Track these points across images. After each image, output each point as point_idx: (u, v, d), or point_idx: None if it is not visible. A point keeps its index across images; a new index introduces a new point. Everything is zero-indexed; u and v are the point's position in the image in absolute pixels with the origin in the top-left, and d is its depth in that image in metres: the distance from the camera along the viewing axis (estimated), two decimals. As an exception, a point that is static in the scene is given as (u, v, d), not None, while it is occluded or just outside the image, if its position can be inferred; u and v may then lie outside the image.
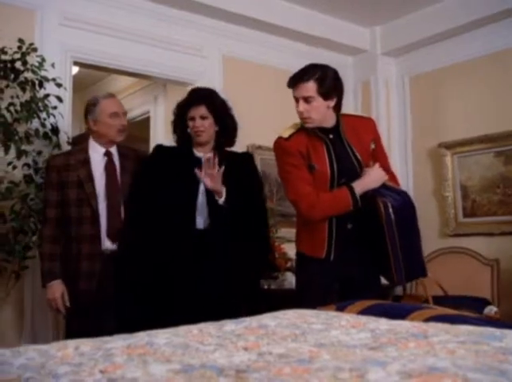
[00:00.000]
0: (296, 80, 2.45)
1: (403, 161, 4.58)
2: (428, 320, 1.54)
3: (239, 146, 4.04)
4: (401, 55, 4.77)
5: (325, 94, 2.42)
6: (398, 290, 2.82)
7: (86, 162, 2.71)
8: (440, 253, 4.11)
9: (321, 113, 2.44)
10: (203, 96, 2.71)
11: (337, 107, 2.50)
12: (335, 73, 2.48)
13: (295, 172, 2.47)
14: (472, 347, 1.02)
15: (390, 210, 2.32)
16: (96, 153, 2.75)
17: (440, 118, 4.51)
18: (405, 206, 2.37)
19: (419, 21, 4.44)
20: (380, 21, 4.66)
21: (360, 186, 2.40)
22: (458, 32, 4.29)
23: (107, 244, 2.65)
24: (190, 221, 2.61)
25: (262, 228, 2.82)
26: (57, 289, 2.60)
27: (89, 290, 2.58)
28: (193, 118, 2.66)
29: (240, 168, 2.73)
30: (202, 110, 2.66)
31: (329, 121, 2.49)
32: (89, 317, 2.56)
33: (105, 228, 2.65)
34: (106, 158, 2.75)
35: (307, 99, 2.42)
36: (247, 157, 2.89)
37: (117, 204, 2.70)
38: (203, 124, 2.66)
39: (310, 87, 2.41)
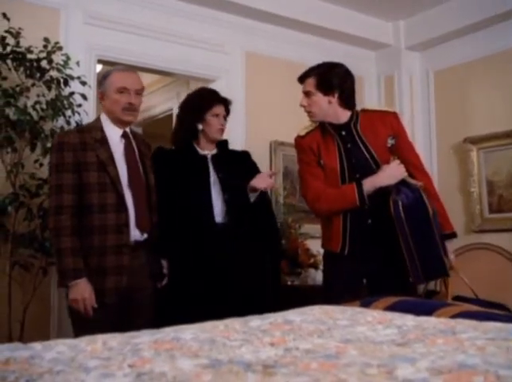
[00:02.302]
0: (302, 77, 2.56)
1: (427, 156, 4.52)
2: (454, 317, 1.53)
3: (262, 143, 4.07)
4: (426, 49, 4.71)
5: (324, 89, 2.47)
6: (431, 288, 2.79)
7: (104, 142, 2.40)
8: (466, 249, 4.06)
9: (322, 108, 2.49)
10: (224, 97, 2.83)
11: (345, 103, 2.50)
12: (344, 71, 2.52)
13: (306, 168, 2.56)
14: (502, 344, 1.00)
15: (400, 208, 2.31)
16: (113, 133, 2.45)
17: (465, 113, 4.45)
18: (417, 204, 2.34)
19: (443, 15, 4.38)
20: (403, 16, 4.61)
21: (371, 183, 2.39)
22: (483, 25, 4.22)
23: (137, 235, 2.41)
24: (209, 216, 2.66)
25: (272, 218, 2.96)
26: (85, 288, 2.26)
27: (118, 288, 2.32)
28: (219, 116, 2.74)
29: (241, 165, 2.82)
30: (224, 109, 2.78)
31: (338, 117, 2.51)
32: (117, 319, 2.31)
33: (133, 217, 2.38)
34: (124, 140, 2.47)
35: (307, 94, 2.52)
36: (246, 155, 2.96)
37: (141, 190, 2.45)
38: (224, 123, 2.79)
39: (310, 82, 2.50)
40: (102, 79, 2.50)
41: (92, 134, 2.40)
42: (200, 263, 2.61)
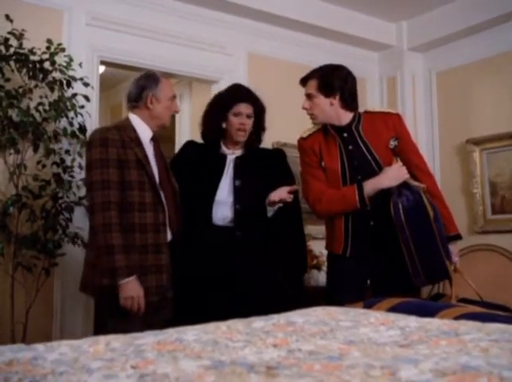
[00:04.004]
0: (304, 79, 2.55)
1: (430, 157, 4.50)
2: (457, 318, 1.53)
3: (264, 144, 4.05)
4: (428, 50, 4.71)
5: (326, 91, 2.47)
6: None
7: (139, 142, 2.38)
8: (469, 250, 4.05)
9: (324, 110, 2.49)
10: (252, 95, 2.69)
11: (346, 105, 2.49)
12: (346, 73, 2.52)
13: (308, 170, 2.56)
14: (506, 345, 1.00)
15: (401, 211, 2.29)
16: (145, 135, 2.43)
17: (467, 114, 4.44)
18: (417, 206, 2.32)
19: (446, 16, 4.37)
20: (406, 16, 4.60)
21: (371, 185, 2.38)
22: (486, 26, 4.20)
23: (168, 234, 2.41)
24: (206, 216, 2.58)
25: (298, 225, 2.78)
26: (138, 285, 2.24)
27: (159, 286, 2.33)
28: (240, 115, 2.62)
29: (272, 165, 2.71)
30: (249, 108, 2.64)
31: (340, 118, 2.50)
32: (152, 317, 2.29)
33: (167, 217, 2.40)
34: (152, 143, 2.46)
35: (309, 96, 2.51)
36: (279, 155, 2.83)
37: (170, 192, 2.45)
38: (249, 123, 2.64)
39: (311, 85, 2.50)
40: (149, 82, 2.44)
41: (127, 133, 2.37)
42: (194, 264, 2.58)
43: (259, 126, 2.72)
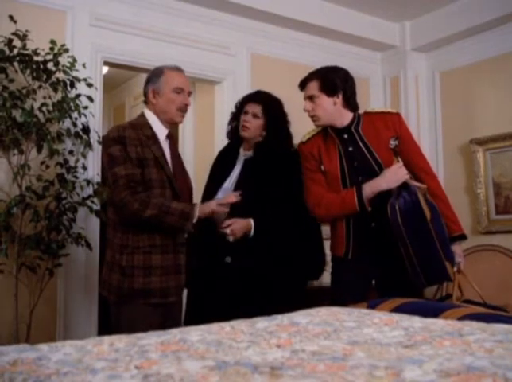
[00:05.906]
0: (302, 82, 2.56)
1: (434, 157, 4.51)
2: (461, 318, 1.52)
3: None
4: (432, 50, 4.70)
5: (328, 90, 2.47)
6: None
7: (155, 140, 2.36)
8: (473, 251, 4.05)
9: (327, 110, 2.48)
10: (264, 97, 2.78)
11: (348, 104, 2.48)
12: (344, 73, 2.53)
13: (308, 174, 2.57)
14: (510, 346, 1.00)
15: (397, 213, 2.28)
16: (160, 132, 2.41)
17: (471, 114, 4.43)
18: (413, 208, 2.31)
19: (449, 16, 4.36)
20: (410, 16, 4.59)
21: (370, 187, 2.37)
22: (490, 26, 4.19)
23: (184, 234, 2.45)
24: (205, 222, 2.56)
25: (313, 227, 2.75)
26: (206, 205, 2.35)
27: (178, 286, 2.37)
28: (246, 113, 2.72)
29: (281, 168, 2.70)
30: (257, 108, 2.71)
31: (343, 119, 2.49)
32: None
33: None
34: (168, 140, 2.44)
35: (311, 98, 2.51)
36: (289, 157, 2.79)
37: (186, 189, 2.47)
38: (251, 121, 2.70)
39: (312, 86, 2.50)
40: (152, 76, 2.45)
41: (143, 131, 2.35)
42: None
43: (272, 134, 2.72)
